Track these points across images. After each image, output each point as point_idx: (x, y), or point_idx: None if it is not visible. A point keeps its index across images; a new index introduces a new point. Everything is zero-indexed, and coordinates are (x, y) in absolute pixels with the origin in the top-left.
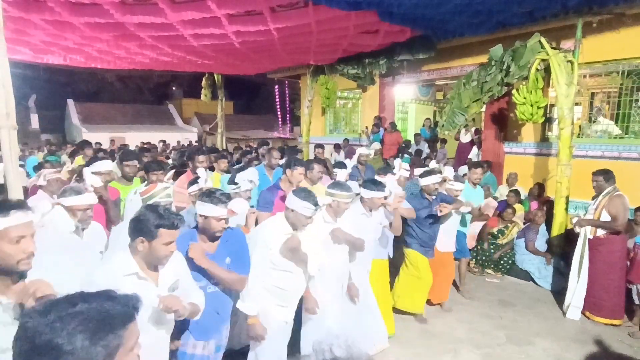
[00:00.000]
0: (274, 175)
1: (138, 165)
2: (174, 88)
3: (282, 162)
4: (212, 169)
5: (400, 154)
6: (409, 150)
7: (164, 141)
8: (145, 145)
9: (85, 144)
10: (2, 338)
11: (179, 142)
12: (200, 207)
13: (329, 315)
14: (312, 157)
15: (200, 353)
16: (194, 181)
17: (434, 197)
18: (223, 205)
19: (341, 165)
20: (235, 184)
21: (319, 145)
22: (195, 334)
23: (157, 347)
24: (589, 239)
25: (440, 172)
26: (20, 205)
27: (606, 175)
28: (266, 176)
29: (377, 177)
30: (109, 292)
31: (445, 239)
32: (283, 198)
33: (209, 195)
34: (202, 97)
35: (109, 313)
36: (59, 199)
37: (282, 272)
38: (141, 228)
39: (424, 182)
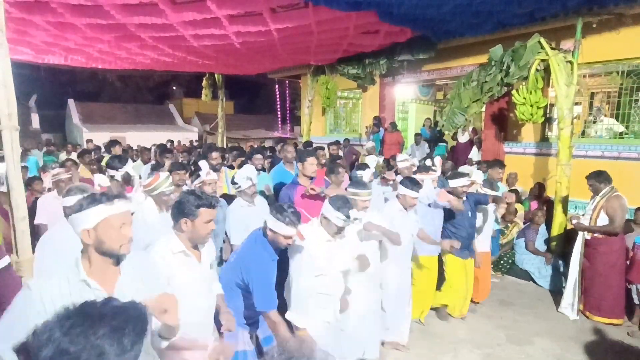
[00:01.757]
0: (275, 173)
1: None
2: (174, 88)
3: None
4: (231, 167)
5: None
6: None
7: (172, 141)
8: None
9: (113, 143)
10: None
11: (179, 141)
12: (271, 222)
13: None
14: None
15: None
16: (197, 174)
17: (464, 198)
18: (293, 226)
19: (364, 166)
20: (235, 183)
21: (335, 143)
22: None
23: (204, 322)
24: (587, 239)
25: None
26: (123, 196)
27: (599, 177)
28: (287, 171)
29: (417, 176)
30: (113, 321)
31: (482, 239)
32: (303, 195)
33: (281, 212)
34: (203, 96)
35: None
36: (64, 198)
37: (324, 278)
38: (183, 209)
39: (453, 184)
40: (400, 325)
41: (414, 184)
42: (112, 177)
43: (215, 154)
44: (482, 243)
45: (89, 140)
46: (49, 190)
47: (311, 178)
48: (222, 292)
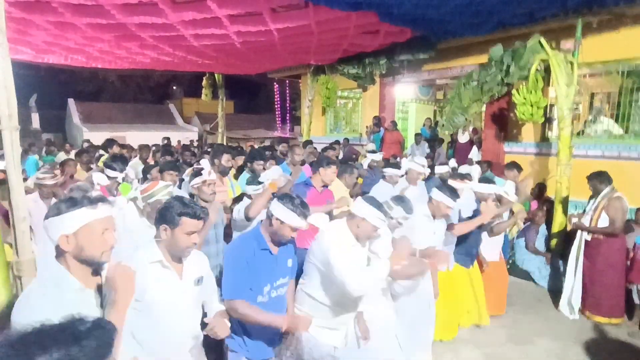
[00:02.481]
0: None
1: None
2: (174, 87)
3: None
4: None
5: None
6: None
7: (168, 138)
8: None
9: (111, 142)
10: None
11: (179, 141)
12: (279, 211)
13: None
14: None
15: None
16: (198, 173)
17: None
18: (304, 218)
19: (396, 165)
20: (259, 183)
21: (335, 143)
22: (252, 353)
23: (180, 348)
24: (588, 240)
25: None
26: (105, 199)
27: (600, 177)
28: (290, 173)
29: (453, 183)
30: (75, 330)
31: (491, 248)
32: (314, 196)
33: (292, 201)
34: (203, 96)
35: None
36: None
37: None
38: (165, 215)
39: (482, 189)
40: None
41: (452, 192)
42: (110, 178)
43: (226, 157)
44: (492, 252)
45: (86, 141)
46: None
47: (324, 185)
48: (223, 308)
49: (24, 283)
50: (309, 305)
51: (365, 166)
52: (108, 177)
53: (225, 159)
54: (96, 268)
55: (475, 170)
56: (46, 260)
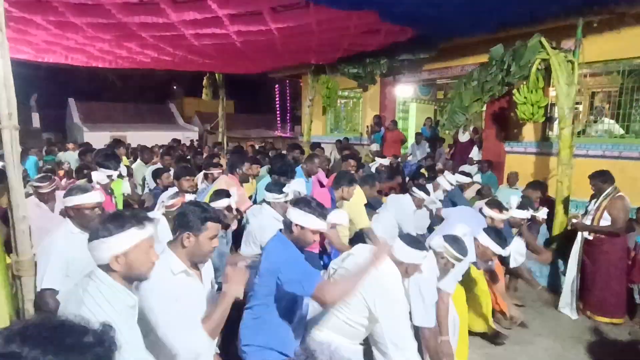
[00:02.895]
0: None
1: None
2: (175, 87)
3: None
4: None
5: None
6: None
7: (178, 140)
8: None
9: (118, 143)
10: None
11: (179, 141)
12: (297, 216)
13: None
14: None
15: None
16: (227, 194)
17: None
18: (324, 219)
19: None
20: (282, 192)
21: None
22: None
23: (207, 351)
24: (589, 240)
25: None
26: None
27: (603, 176)
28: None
29: (489, 212)
30: (78, 340)
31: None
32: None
33: (309, 205)
34: (203, 96)
35: None
36: (65, 198)
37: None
38: (188, 222)
39: (515, 214)
40: None
41: (500, 237)
42: (108, 177)
43: (247, 165)
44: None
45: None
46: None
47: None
48: None
49: (23, 283)
50: (344, 332)
51: (373, 170)
52: (107, 176)
53: (246, 167)
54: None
55: (474, 170)
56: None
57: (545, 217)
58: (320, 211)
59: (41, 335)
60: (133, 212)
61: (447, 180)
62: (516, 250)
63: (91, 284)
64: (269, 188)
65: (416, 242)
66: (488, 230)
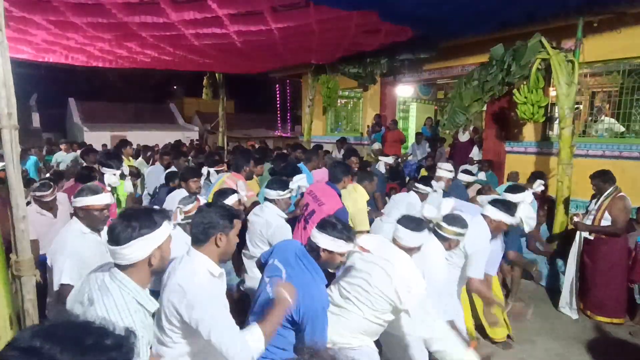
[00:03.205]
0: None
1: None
2: (175, 87)
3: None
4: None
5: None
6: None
7: (179, 141)
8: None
9: (125, 143)
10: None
11: (180, 141)
12: (325, 242)
13: None
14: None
15: None
16: (232, 191)
17: None
18: (351, 242)
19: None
20: (287, 188)
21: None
22: None
23: None
24: (590, 239)
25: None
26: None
27: (603, 176)
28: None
29: (511, 197)
30: (99, 341)
31: (491, 263)
32: None
33: (336, 228)
34: (204, 95)
35: None
36: (75, 199)
37: None
38: (218, 224)
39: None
40: None
41: (508, 207)
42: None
43: (253, 164)
44: (492, 267)
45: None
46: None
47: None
48: None
49: (23, 282)
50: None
51: (382, 169)
52: (103, 174)
53: (252, 166)
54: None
55: (474, 170)
56: None
57: (542, 188)
58: (348, 234)
59: (63, 334)
60: (153, 209)
61: (445, 169)
62: (526, 215)
63: (112, 285)
64: (271, 186)
65: (415, 222)
66: (494, 203)
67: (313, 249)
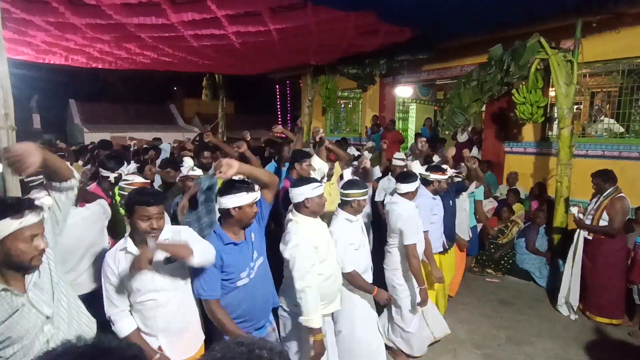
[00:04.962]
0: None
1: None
2: (175, 88)
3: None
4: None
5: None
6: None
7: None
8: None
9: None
10: (21, 322)
11: (194, 139)
12: (231, 201)
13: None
14: None
15: None
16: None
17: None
18: (254, 190)
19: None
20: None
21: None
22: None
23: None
24: (589, 239)
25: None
26: (32, 205)
27: (604, 176)
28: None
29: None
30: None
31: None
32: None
33: (233, 185)
34: (203, 97)
35: None
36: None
37: (325, 266)
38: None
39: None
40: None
41: (436, 167)
42: (104, 178)
43: (207, 154)
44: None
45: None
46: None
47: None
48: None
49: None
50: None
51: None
52: (102, 176)
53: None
54: (24, 272)
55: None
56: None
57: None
58: (247, 186)
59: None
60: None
61: (398, 158)
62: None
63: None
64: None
65: (410, 176)
66: (398, 180)
67: (225, 215)
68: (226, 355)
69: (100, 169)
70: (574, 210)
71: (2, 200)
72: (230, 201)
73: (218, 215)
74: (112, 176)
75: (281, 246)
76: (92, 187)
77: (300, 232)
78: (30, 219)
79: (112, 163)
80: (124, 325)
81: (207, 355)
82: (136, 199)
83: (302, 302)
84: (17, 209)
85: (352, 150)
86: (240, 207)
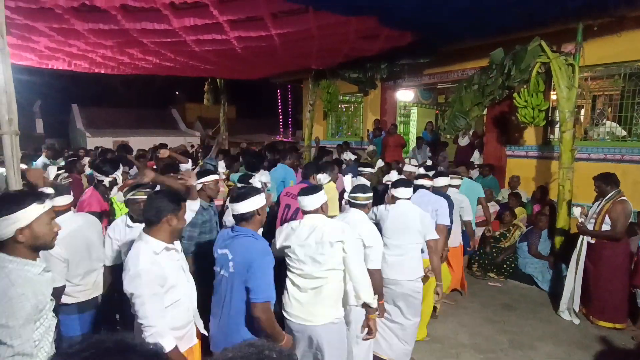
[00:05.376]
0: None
1: None
2: (177, 93)
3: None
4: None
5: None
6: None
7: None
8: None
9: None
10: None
11: (192, 145)
12: (250, 205)
13: None
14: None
15: None
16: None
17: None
18: (260, 193)
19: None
20: (249, 183)
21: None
22: None
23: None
24: (592, 243)
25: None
26: (48, 194)
27: (606, 179)
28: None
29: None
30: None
31: (452, 235)
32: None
33: (249, 193)
34: (205, 101)
35: None
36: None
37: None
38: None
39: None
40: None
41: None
42: (100, 182)
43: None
44: (453, 239)
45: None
46: None
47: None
48: None
49: None
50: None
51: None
52: (97, 180)
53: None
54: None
55: (475, 174)
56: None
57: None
58: (256, 190)
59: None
60: (24, 192)
61: (411, 164)
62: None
63: None
64: (240, 179)
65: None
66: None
67: (246, 219)
68: (237, 355)
69: (96, 173)
70: (576, 212)
71: (24, 191)
72: (247, 205)
73: None
74: (106, 180)
75: None
76: (89, 191)
77: None
78: (48, 204)
79: (107, 167)
80: (170, 340)
81: (219, 355)
82: (183, 197)
83: None
84: (40, 196)
85: (347, 155)
86: (261, 209)
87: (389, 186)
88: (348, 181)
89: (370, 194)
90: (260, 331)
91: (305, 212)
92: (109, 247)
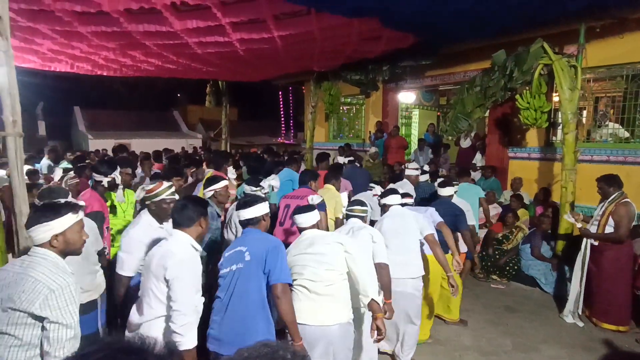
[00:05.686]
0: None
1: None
2: (179, 95)
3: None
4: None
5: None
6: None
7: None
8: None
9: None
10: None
11: (182, 148)
12: (256, 211)
13: None
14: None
15: None
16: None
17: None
18: (264, 200)
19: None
20: (259, 185)
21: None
22: None
23: None
24: (595, 246)
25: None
26: (81, 206)
27: (609, 181)
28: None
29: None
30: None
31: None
32: None
33: (255, 200)
34: (206, 103)
35: None
36: None
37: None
38: (201, 210)
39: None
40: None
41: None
42: (98, 183)
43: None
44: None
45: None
46: None
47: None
48: None
49: None
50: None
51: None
52: (95, 181)
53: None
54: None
55: (477, 176)
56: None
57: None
58: (260, 198)
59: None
60: (59, 203)
61: (412, 168)
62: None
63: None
64: (248, 182)
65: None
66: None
67: (253, 224)
68: (252, 355)
69: (94, 174)
70: (570, 219)
71: (60, 202)
72: (253, 211)
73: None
74: (105, 180)
75: None
76: (87, 192)
77: None
78: (81, 214)
79: (104, 167)
80: (194, 336)
81: (234, 355)
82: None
83: None
84: (74, 207)
85: (340, 160)
86: (266, 214)
87: (379, 198)
88: (345, 197)
89: (367, 207)
90: (279, 319)
91: (301, 230)
92: (139, 254)
